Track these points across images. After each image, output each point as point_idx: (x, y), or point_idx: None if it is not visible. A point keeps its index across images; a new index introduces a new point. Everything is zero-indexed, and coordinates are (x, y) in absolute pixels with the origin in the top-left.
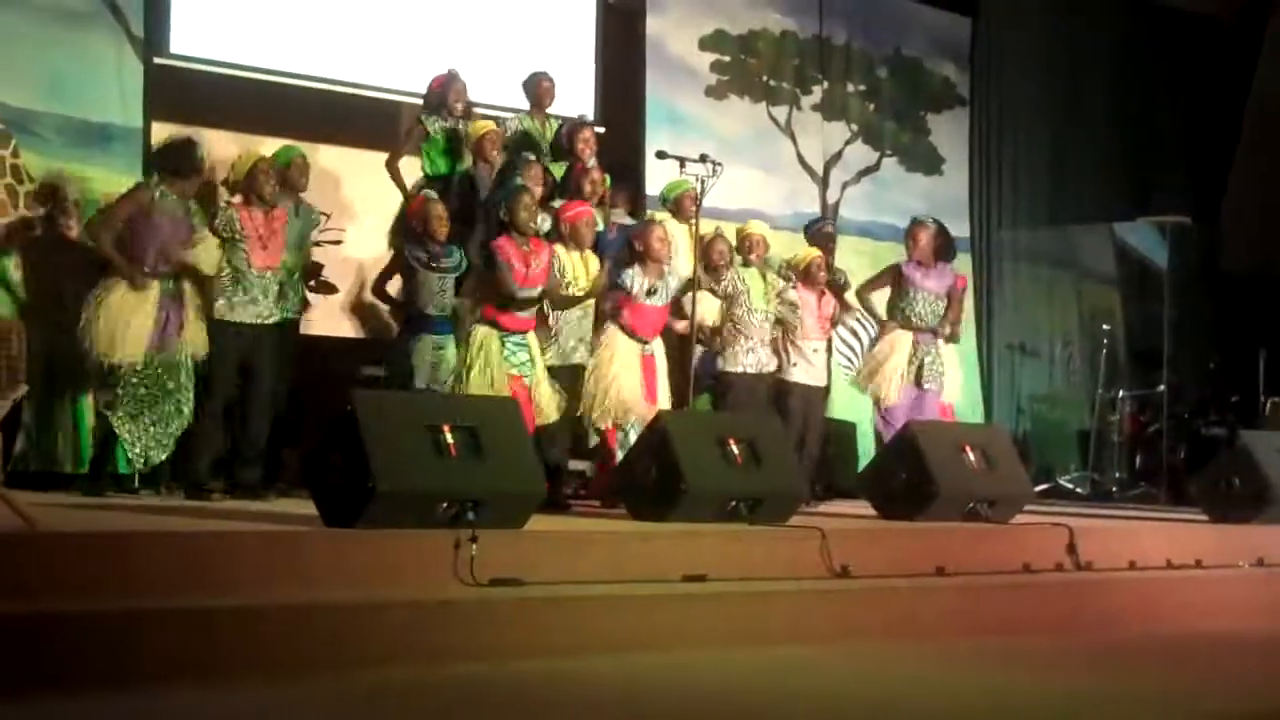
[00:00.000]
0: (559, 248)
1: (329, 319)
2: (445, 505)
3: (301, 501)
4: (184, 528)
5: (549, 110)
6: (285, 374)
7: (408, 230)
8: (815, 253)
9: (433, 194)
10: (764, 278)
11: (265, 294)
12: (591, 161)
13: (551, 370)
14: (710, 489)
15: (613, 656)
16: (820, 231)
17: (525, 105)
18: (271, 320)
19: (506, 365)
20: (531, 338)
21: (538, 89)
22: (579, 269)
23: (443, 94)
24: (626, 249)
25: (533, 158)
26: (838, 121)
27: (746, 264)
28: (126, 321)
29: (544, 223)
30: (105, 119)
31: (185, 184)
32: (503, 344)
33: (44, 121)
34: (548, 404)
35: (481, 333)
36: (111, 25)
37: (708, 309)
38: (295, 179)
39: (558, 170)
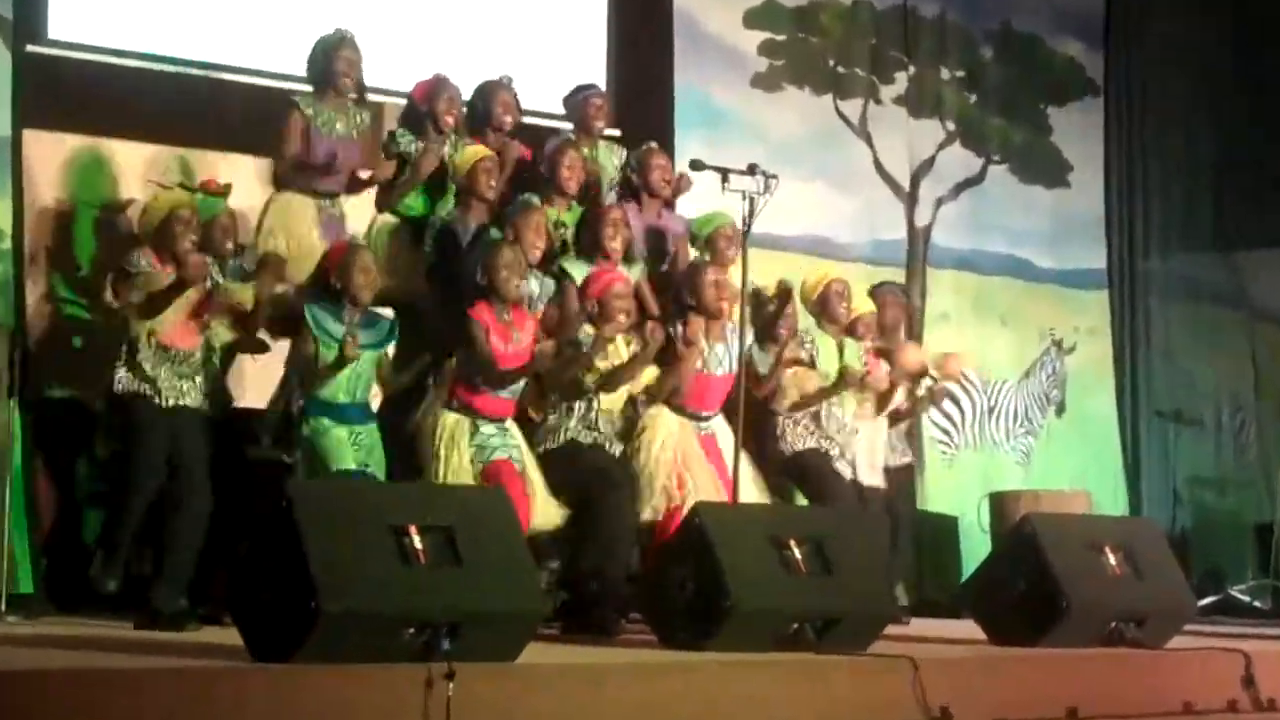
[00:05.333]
0: (588, 330)
1: (262, 387)
2: (413, 631)
3: (227, 630)
4: (72, 664)
5: (604, 133)
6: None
7: (316, 285)
8: (827, 274)
9: (359, 240)
10: (841, 344)
11: (184, 375)
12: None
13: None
14: (764, 606)
15: None
16: (888, 290)
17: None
18: (195, 405)
19: (481, 453)
20: (512, 426)
21: (586, 108)
22: (620, 356)
23: (429, 102)
24: (670, 303)
25: (536, 202)
26: (929, 119)
27: (827, 322)
28: None
29: (532, 286)
30: None
31: None
32: (475, 430)
33: None
34: (545, 502)
35: (450, 421)
36: None
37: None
38: (219, 242)
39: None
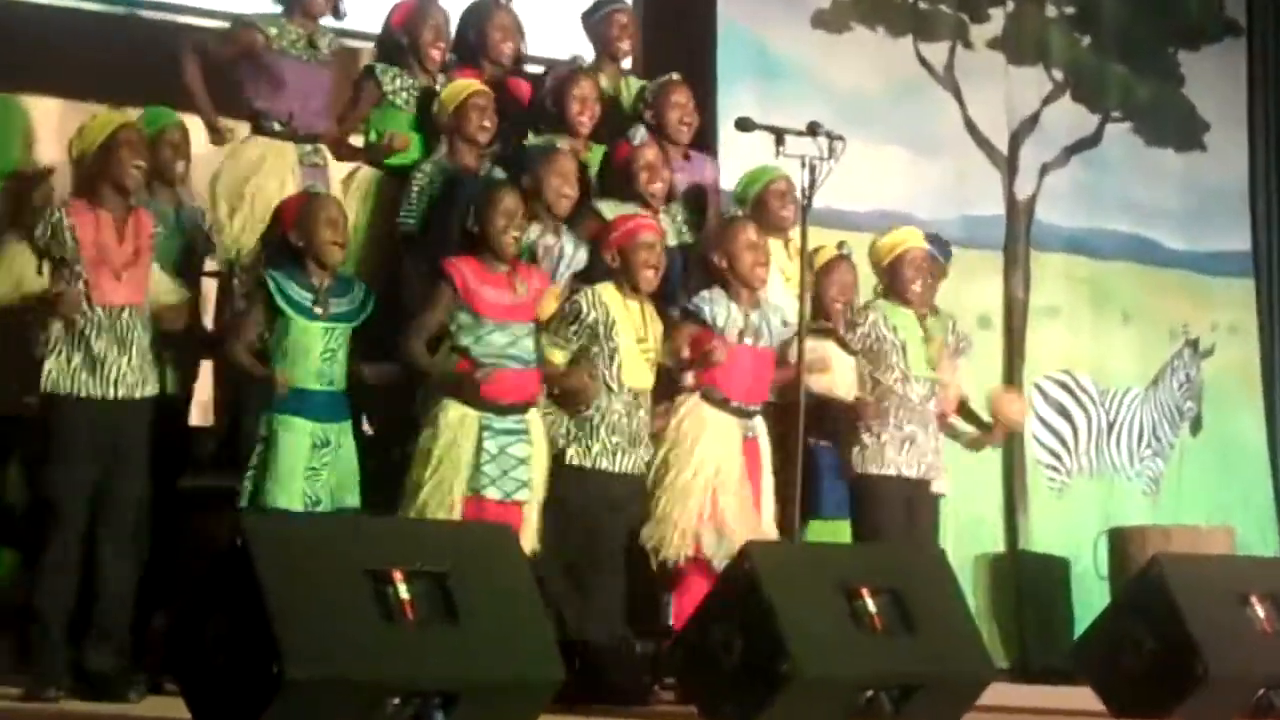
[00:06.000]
0: (607, 290)
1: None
2: (398, 702)
3: (171, 700)
4: None
5: (628, 59)
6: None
7: (272, 246)
8: (906, 240)
9: (321, 189)
10: (924, 324)
11: (123, 350)
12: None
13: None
14: (831, 671)
15: None
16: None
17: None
18: (140, 394)
19: (482, 478)
20: (534, 420)
21: (609, 27)
22: (641, 323)
23: (411, 31)
24: (696, 266)
25: (562, 143)
26: (1031, 66)
27: (897, 301)
28: None
29: (565, 245)
30: None
31: None
32: (482, 434)
33: None
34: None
35: (454, 415)
36: None
37: (840, 374)
38: (168, 162)
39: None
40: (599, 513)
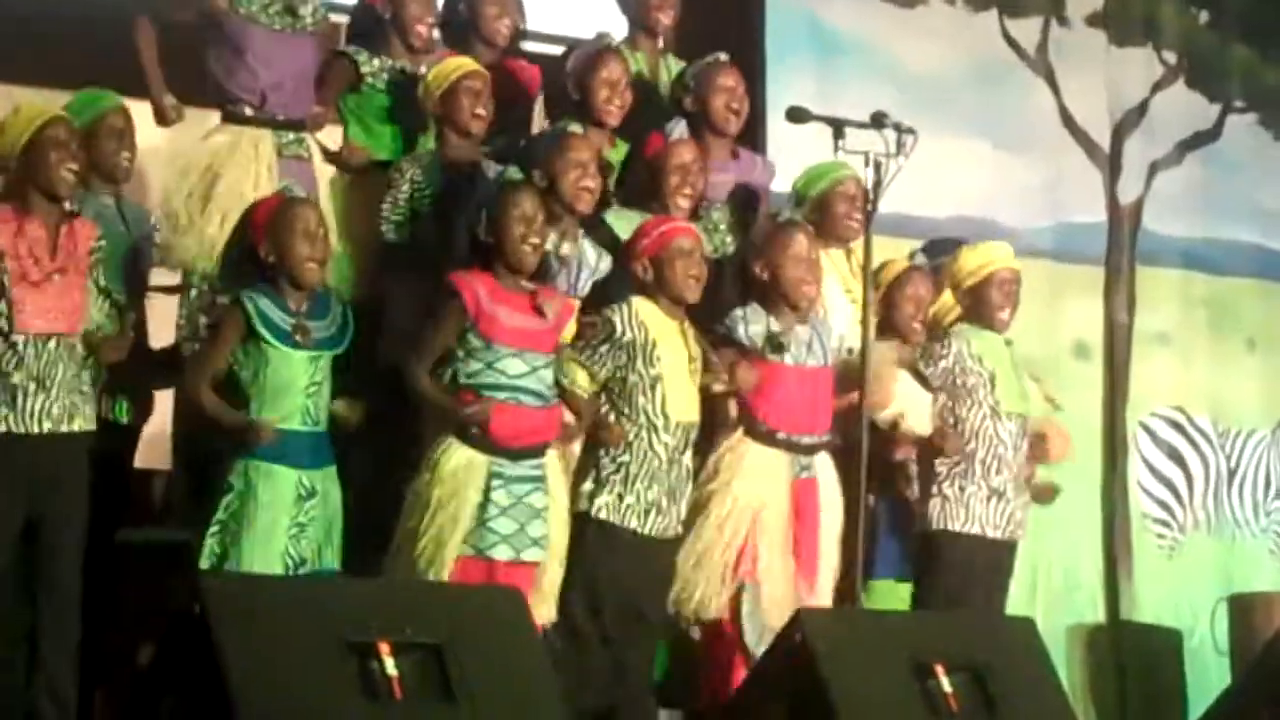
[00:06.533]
0: (643, 306)
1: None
2: None
3: None
4: None
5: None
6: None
7: (239, 260)
8: (993, 259)
9: (298, 190)
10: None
11: (50, 383)
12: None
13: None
14: None
15: None
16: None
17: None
18: (67, 428)
19: (488, 536)
20: (552, 464)
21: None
22: (683, 343)
23: (391, 11)
24: (734, 276)
25: (576, 127)
26: (1139, 47)
27: (979, 325)
28: None
29: (585, 252)
30: None
31: None
32: (491, 482)
33: None
34: (552, 591)
35: (458, 460)
36: None
37: (910, 407)
38: (111, 155)
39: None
40: (627, 578)
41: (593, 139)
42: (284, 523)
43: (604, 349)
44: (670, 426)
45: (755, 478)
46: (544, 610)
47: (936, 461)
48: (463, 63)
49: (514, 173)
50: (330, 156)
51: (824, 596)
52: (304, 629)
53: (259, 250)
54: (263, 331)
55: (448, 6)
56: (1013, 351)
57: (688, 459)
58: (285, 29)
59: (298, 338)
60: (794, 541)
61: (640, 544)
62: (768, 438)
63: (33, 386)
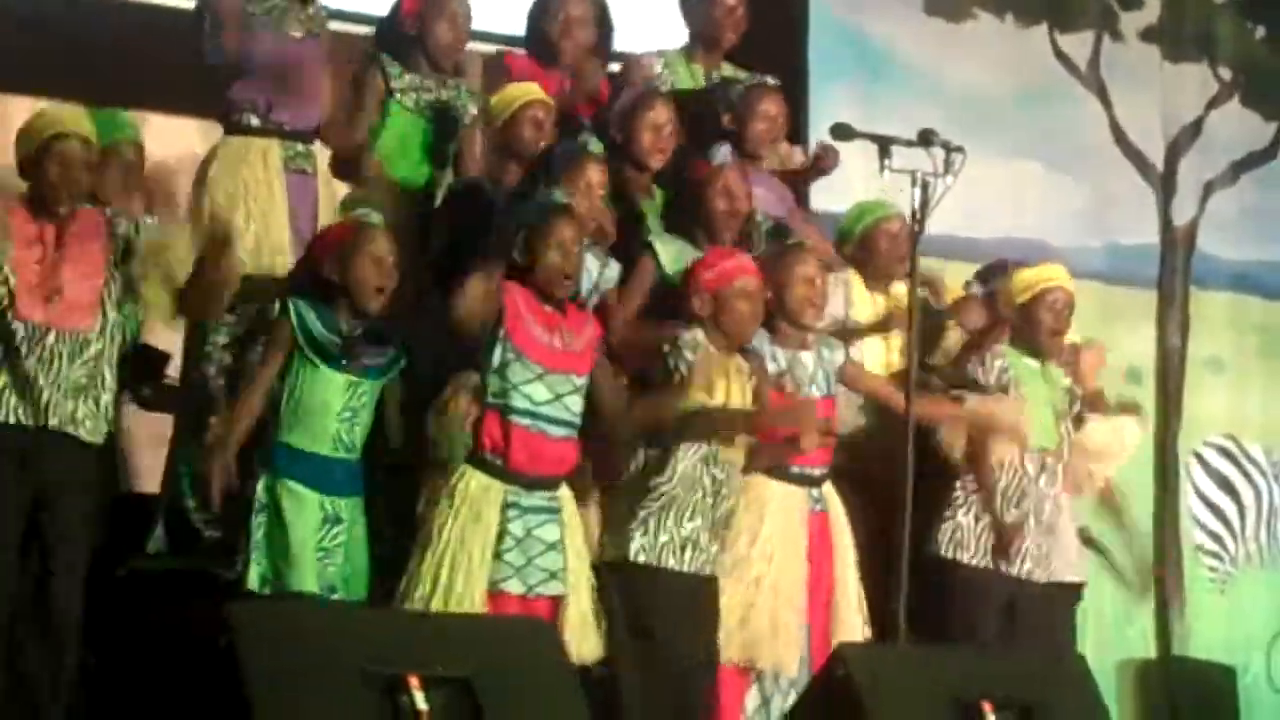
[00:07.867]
0: (699, 339)
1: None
2: None
3: None
4: None
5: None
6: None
7: (301, 280)
8: (1049, 277)
9: (373, 216)
10: (1050, 377)
11: (56, 376)
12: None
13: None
14: None
15: None
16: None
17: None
18: (73, 430)
19: (503, 569)
20: (566, 497)
21: (714, 7)
22: (735, 385)
23: (424, 21)
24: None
25: (594, 148)
26: (1193, 63)
27: (1024, 349)
28: None
29: (600, 272)
30: None
31: None
32: (507, 512)
33: None
34: (582, 626)
35: (475, 487)
36: None
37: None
38: (113, 186)
39: None
40: (668, 624)
41: (632, 177)
42: (311, 544)
43: (667, 366)
44: (717, 463)
45: (774, 519)
46: (586, 648)
47: (956, 484)
48: (527, 89)
49: (558, 196)
50: (344, 171)
51: (852, 633)
52: (332, 661)
53: (321, 268)
54: (304, 346)
55: (531, 23)
56: (1055, 385)
57: (732, 498)
58: (289, 32)
59: (344, 360)
60: (813, 579)
61: (678, 580)
62: (781, 473)
63: (31, 378)
